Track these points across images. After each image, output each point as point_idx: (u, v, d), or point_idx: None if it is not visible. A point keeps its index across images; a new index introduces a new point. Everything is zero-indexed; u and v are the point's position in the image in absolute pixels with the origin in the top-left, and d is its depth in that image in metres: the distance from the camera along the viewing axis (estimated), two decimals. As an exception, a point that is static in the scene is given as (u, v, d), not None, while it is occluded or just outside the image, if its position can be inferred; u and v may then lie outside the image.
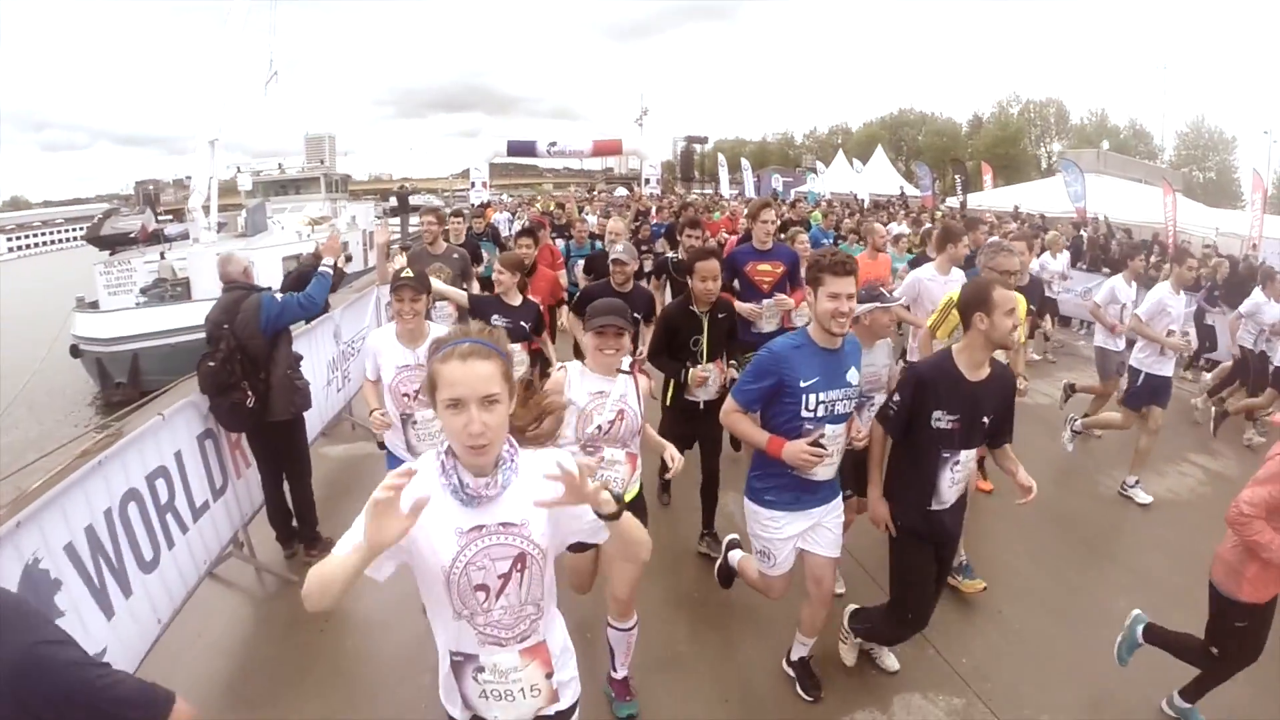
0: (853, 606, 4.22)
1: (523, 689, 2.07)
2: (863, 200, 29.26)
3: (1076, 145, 54.45)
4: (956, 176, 32.29)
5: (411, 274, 4.06)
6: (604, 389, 3.47)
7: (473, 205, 23.96)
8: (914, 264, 7.91)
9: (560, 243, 10.13)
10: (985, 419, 3.60)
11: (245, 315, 4.65)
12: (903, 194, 32.35)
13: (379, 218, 30.55)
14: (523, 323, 5.31)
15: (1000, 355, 4.10)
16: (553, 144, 42.10)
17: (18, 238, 69.88)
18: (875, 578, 4.74)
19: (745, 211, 10.80)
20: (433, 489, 1.83)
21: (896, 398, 3.69)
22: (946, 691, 4.05)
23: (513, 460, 1.96)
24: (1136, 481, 6.99)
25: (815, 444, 3.42)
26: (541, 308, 5.88)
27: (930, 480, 3.60)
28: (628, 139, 46.35)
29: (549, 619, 2.14)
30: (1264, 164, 47.04)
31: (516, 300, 5.41)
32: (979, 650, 4.39)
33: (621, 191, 38.60)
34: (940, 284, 5.86)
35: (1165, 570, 5.39)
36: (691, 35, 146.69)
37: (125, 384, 16.05)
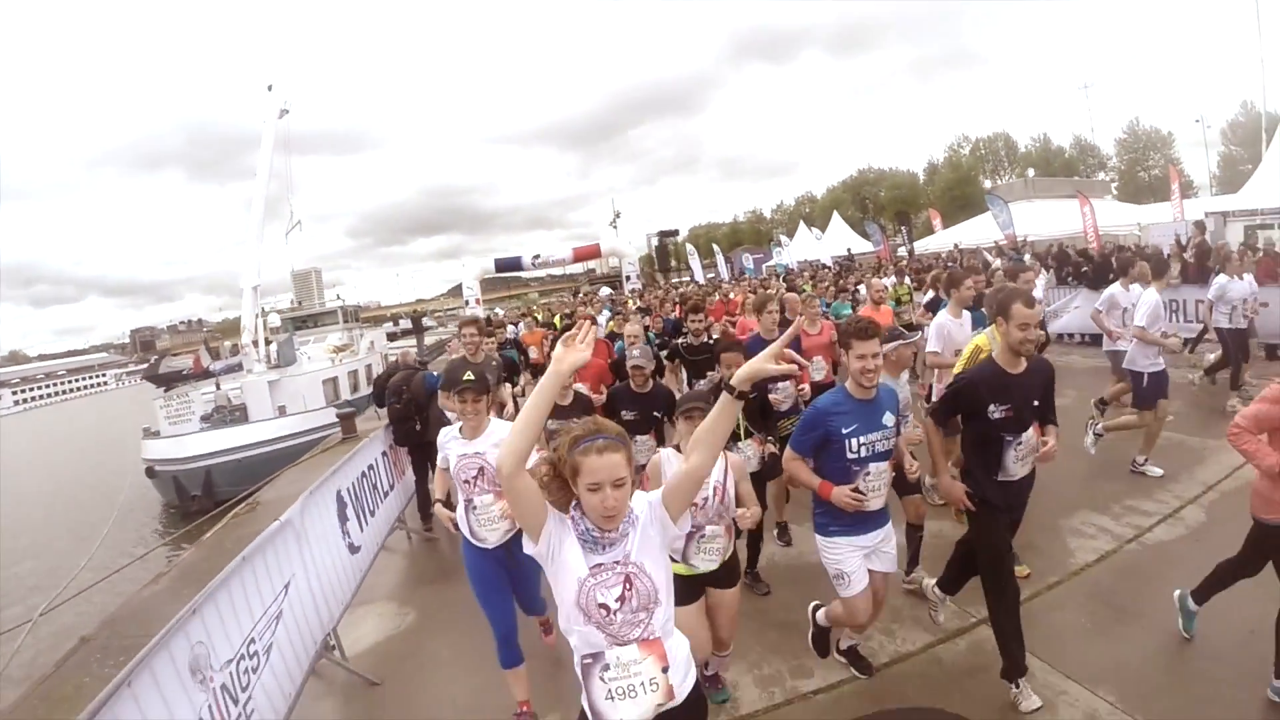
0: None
1: (643, 683, 2.46)
2: (831, 265, 32.71)
3: (1025, 171, 58.85)
4: (901, 227, 36.81)
5: (474, 377, 4.49)
6: None
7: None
8: (930, 306, 9.14)
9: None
10: (1035, 402, 4.26)
11: (416, 381, 7.93)
12: (849, 253, 36.32)
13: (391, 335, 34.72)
14: (573, 420, 6.49)
15: None
16: (536, 256, 45.18)
17: (22, 391, 73.33)
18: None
19: (750, 303, 11.28)
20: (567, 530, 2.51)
21: (944, 392, 4.52)
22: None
23: (632, 513, 2.55)
24: (1146, 459, 7.60)
25: (856, 490, 4.04)
26: (590, 395, 6.46)
27: (997, 459, 4.24)
28: (605, 241, 49.29)
29: (664, 625, 2.56)
30: (1202, 148, 51.06)
31: (568, 400, 5.85)
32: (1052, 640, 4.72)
33: (605, 291, 42.01)
34: (958, 324, 6.84)
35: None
36: (653, 130, 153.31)
37: (200, 495, 18.88)
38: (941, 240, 34.09)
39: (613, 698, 2.46)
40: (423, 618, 6.31)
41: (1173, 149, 59.06)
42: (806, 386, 6.86)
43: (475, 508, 4.43)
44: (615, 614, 2.48)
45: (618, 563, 2.49)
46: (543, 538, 2.50)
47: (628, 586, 2.50)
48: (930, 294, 10.54)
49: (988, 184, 61.61)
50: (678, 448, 4.23)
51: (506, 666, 4.49)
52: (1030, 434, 4.24)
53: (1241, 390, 9.63)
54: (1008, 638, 4.27)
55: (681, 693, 2.58)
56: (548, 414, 2.49)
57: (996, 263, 16.58)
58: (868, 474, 4.05)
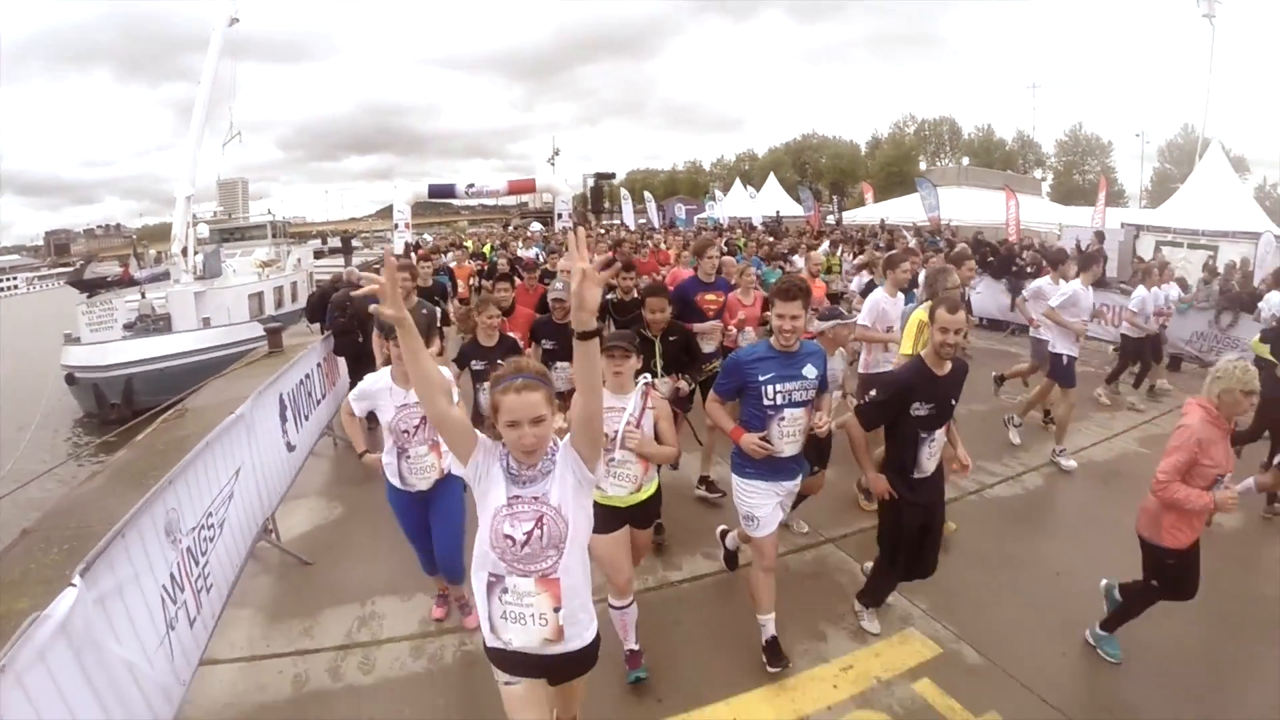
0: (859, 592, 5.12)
1: (533, 615, 2.65)
2: (759, 226, 33.51)
3: (970, 159, 60.57)
4: (833, 197, 37.71)
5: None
6: (614, 404, 4.04)
7: (407, 245, 27.26)
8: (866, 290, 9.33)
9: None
10: (953, 402, 4.53)
11: (359, 298, 8.36)
12: (778, 215, 37.13)
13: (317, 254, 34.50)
14: (499, 361, 5.69)
15: None
16: (471, 185, 44.68)
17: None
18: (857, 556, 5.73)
19: (691, 248, 11.08)
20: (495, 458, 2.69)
21: (874, 394, 4.60)
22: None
23: (552, 455, 2.70)
24: (1062, 450, 8.19)
25: (765, 438, 4.25)
26: (522, 344, 6.57)
27: (912, 455, 4.46)
28: (541, 176, 48.82)
29: (567, 568, 2.69)
30: (1138, 161, 53.77)
31: (493, 340, 6.08)
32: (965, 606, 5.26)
33: (536, 226, 41.90)
34: (893, 304, 7.01)
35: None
36: (602, 69, 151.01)
37: (120, 404, 18.77)
38: (869, 214, 35.13)
39: (505, 619, 2.68)
40: (349, 511, 7.05)
41: (1110, 157, 62.07)
42: (733, 329, 7.14)
43: (409, 457, 4.54)
44: (521, 547, 2.64)
45: (535, 499, 2.65)
46: (470, 463, 2.68)
47: (538, 525, 2.65)
48: (868, 278, 10.94)
49: (924, 165, 63.19)
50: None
51: (451, 582, 4.95)
52: (941, 433, 4.53)
53: (1154, 391, 10.68)
54: (881, 583, 4.92)
55: (573, 638, 2.77)
56: (430, 363, 2.66)
57: (912, 242, 17.45)
58: (783, 419, 4.27)
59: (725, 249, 9.97)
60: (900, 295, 7.08)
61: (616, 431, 4.08)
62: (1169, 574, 4.41)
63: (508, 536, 2.65)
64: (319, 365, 8.72)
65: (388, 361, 4.76)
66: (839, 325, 5.61)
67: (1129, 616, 4.67)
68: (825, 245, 17.37)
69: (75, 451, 16.33)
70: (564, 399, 4.82)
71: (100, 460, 12.33)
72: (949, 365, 4.45)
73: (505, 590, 2.68)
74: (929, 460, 4.53)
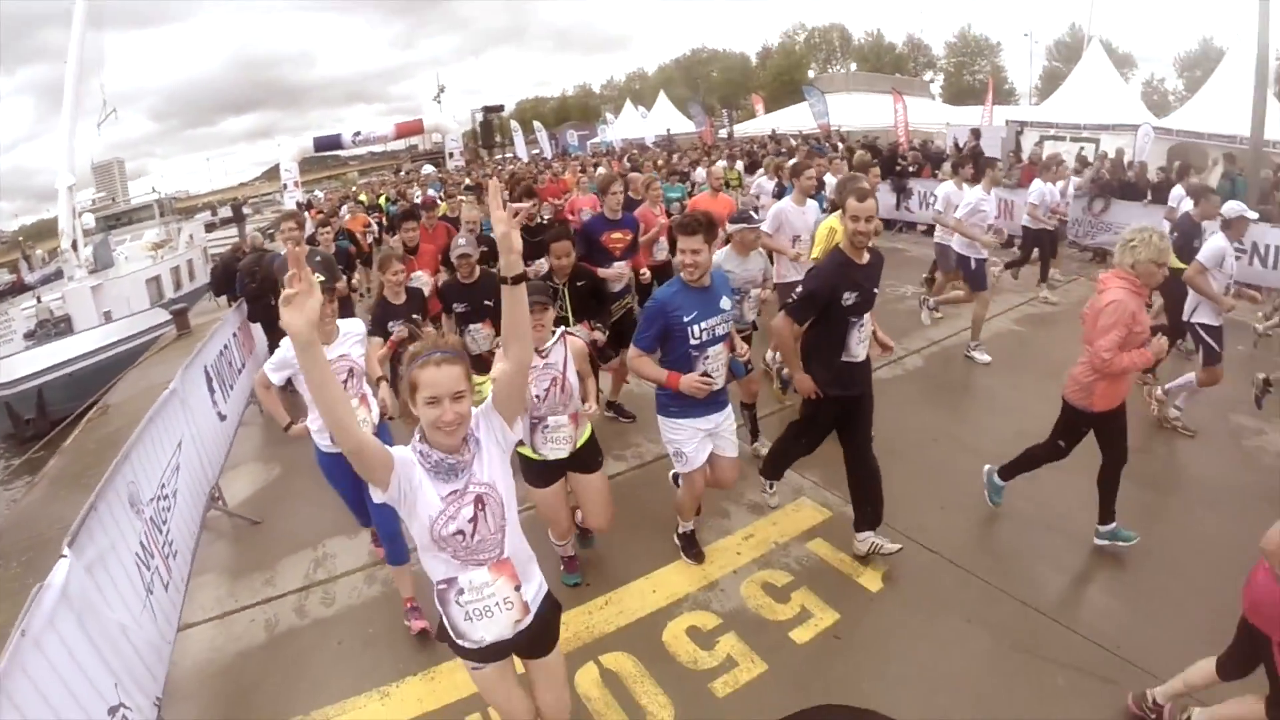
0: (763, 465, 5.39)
1: (498, 603, 2.62)
2: (652, 145, 33.92)
3: (858, 65, 61.19)
4: (724, 111, 38.15)
5: (323, 277, 4.50)
6: (537, 363, 4.03)
7: (299, 205, 26.76)
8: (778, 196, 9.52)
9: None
10: (875, 290, 4.63)
11: (266, 261, 8.71)
12: (669, 133, 37.52)
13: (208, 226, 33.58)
14: (414, 316, 5.92)
15: None
16: (357, 133, 44.14)
17: None
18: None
19: (591, 182, 11.39)
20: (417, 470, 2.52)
21: (800, 290, 4.62)
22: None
23: (474, 434, 2.63)
24: (978, 345, 8.63)
25: (705, 375, 4.33)
26: (428, 287, 6.71)
27: (842, 340, 4.56)
28: (428, 117, 48.58)
29: (513, 544, 2.70)
30: (1028, 60, 54.52)
31: (401, 297, 6.00)
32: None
33: (429, 169, 41.53)
34: (799, 213, 7.02)
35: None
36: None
37: (35, 418, 17.92)
38: (760, 125, 35.76)
39: (471, 619, 2.62)
40: (286, 470, 7.40)
41: (999, 57, 62.75)
42: (647, 270, 7.25)
43: None
44: (470, 537, 2.58)
45: (470, 484, 2.58)
46: (393, 483, 2.49)
47: (480, 507, 2.59)
48: (775, 181, 11.43)
49: (814, 73, 63.42)
50: None
51: (394, 563, 4.67)
52: (869, 319, 4.69)
53: (1049, 282, 11.08)
54: (781, 459, 5.20)
55: (534, 606, 2.80)
56: (338, 386, 2.38)
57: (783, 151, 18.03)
58: (708, 357, 4.37)
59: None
60: (809, 202, 7.12)
61: (544, 390, 4.16)
62: (1078, 435, 4.83)
63: (457, 533, 2.58)
64: (234, 335, 9.03)
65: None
66: (745, 229, 5.68)
67: (1026, 468, 5.20)
68: (723, 160, 17.57)
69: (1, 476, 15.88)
70: (481, 362, 5.09)
71: (27, 479, 12.28)
72: (867, 255, 4.57)
73: (461, 590, 2.62)
74: (858, 345, 4.65)
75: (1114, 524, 4.92)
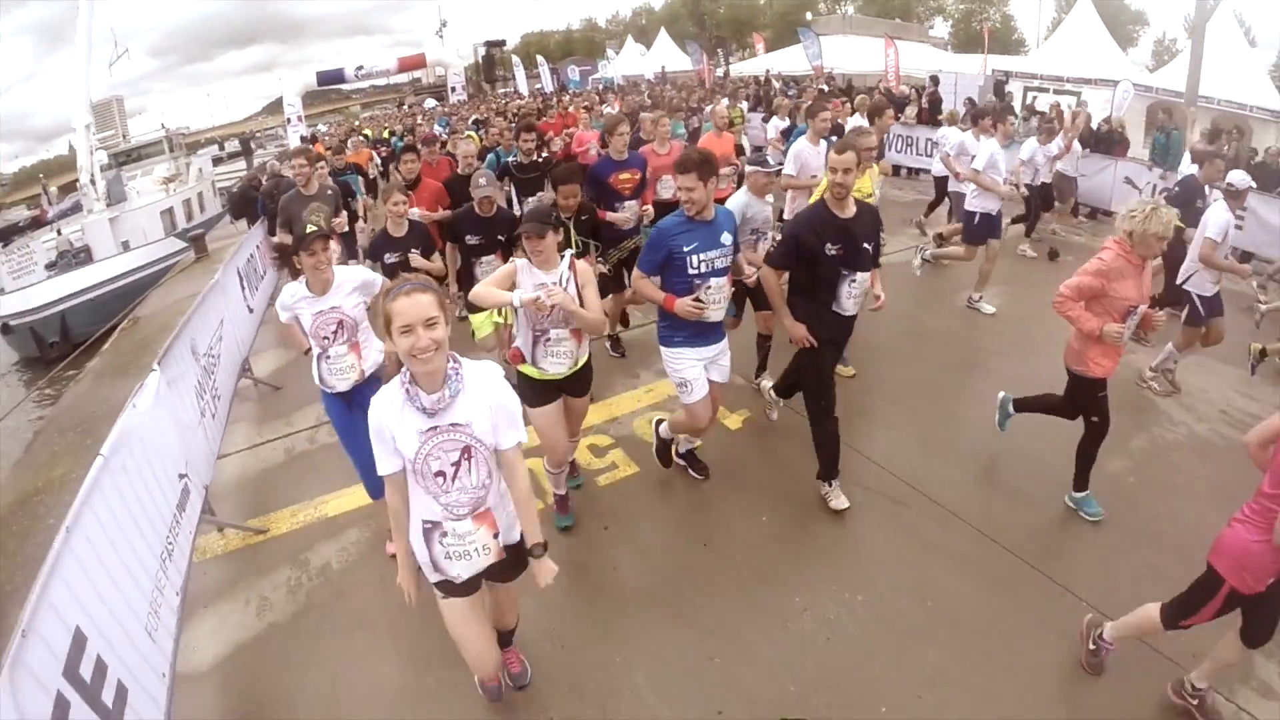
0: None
1: (477, 548, 2.82)
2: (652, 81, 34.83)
3: (865, 7, 60.61)
4: (718, 50, 39.61)
5: (316, 227, 4.60)
6: (544, 280, 4.16)
7: (303, 139, 27.80)
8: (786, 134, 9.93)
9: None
10: (865, 245, 4.73)
11: (285, 185, 9.70)
12: (663, 70, 38.32)
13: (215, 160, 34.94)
14: (413, 249, 6.05)
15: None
16: (360, 68, 44.25)
17: None
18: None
19: (601, 121, 11.23)
20: (399, 406, 2.69)
21: (778, 238, 4.82)
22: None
23: (458, 375, 2.70)
24: (980, 297, 8.68)
25: (698, 299, 4.46)
26: (431, 218, 6.93)
27: (833, 291, 4.74)
28: (430, 51, 48.62)
29: (495, 494, 2.88)
30: (1036, 9, 53.30)
31: (402, 229, 6.08)
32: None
33: (431, 102, 42.03)
34: (814, 153, 7.12)
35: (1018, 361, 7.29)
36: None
37: (59, 341, 19.44)
38: (757, 65, 36.19)
39: (450, 558, 2.79)
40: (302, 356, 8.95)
41: (1009, 5, 61.35)
42: (650, 207, 7.33)
43: (329, 358, 4.71)
44: (451, 481, 2.73)
45: (454, 426, 2.71)
46: (381, 445, 2.78)
47: (465, 456, 2.73)
48: (787, 122, 11.52)
49: (824, 11, 63.02)
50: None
51: (375, 497, 5.03)
52: (864, 276, 4.80)
53: (1033, 237, 11.00)
54: (826, 450, 5.18)
55: (509, 540, 3.04)
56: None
57: (791, 92, 18.59)
58: (708, 288, 4.50)
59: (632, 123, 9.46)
60: (822, 143, 7.16)
61: (549, 309, 4.20)
62: (1095, 402, 4.87)
63: (438, 474, 2.73)
64: (258, 247, 10.68)
65: (298, 273, 4.75)
66: (758, 172, 5.77)
67: (1041, 409, 5.36)
68: (725, 99, 17.40)
69: (30, 392, 16.73)
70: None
71: (51, 394, 14.00)
72: (853, 207, 4.71)
73: (445, 534, 2.80)
74: (849, 300, 4.82)
75: (1087, 492, 5.11)
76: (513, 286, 4.13)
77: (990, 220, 8.49)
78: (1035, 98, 21.92)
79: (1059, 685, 3.87)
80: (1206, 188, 8.08)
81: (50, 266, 22.02)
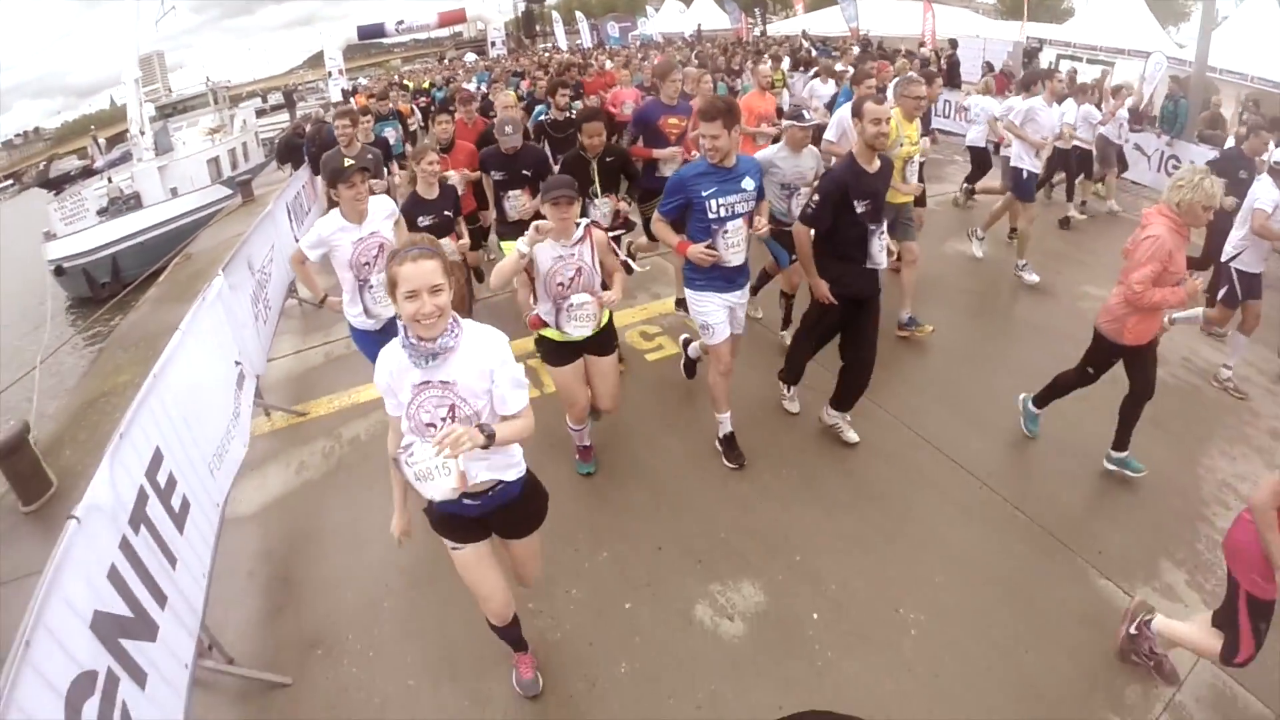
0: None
1: (436, 467, 2.66)
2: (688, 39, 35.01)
3: None
4: (755, 9, 39.87)
5: (354, 161, 4.80)
6: (562, 253, 4.32)
7: (344, 92, 28.76)
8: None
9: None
10: (884, 198, 4.90)
11: (325, 131, 10.52)
12: (699, 29, 38.49)
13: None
14: (445, 212, 6.09)
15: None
16: (400, 22, 44.66)
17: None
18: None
19: (629, 76, 12.82)
20: (401, 356, 2.77)
21: (816, 198, 4.84)
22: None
23: (454, 335, 2.73)
24: (1025, 264, 8.65)
25: (710, 247, 4.62)
26: (463, 184, 6.98)
27: (864, 249, 4.88)
28: (471, 6, 48.21)
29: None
30: None
31: (434, 192, 6.07)
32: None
33: (471, 56, 42.53)
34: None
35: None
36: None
37: (110, 281, 20.81)
38: (794, 26, 36.20)
39: (420, 479, 2.72)
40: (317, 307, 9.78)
41: None
42: (692, 155, 7.06)
43: (372, 286, 4.86)
44: (438, 428, 2.80)
45: (444, 383, 2.77)
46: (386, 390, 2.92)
47: (452, 415, 2.81)
48: (833, 88, 11.46)
49: None
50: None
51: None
52: (885, 227, 5.00)
53: (1078, 203, 11.13)
54: (797, 357, 5.68)
55: (511, 484, 3.13)
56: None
57: (815, 52, 18.68)
58: (726, 232, 4.62)
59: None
60: None
61: (569, 279, 4.39)
62: (1106, 364, 5.03)
63: (429, 425, 2.83)
64: (303, 188, 11.57)
65: (334, 204, 4.96)
66: (795, 126, 5.92)
67: (1058, 394, 5.48)
68: (768, 62, 17.62)
69: (84, 328, 17.83)
70: (519, 227, 6.01)
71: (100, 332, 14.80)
72: (878, 162, 4.83)
73: (412, 453, 2.70)
74: (880, 253, 4.95)
75: (1127, 452, 5.20)
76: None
77: (1033, 178, 8.72)
78: (1074, 68, 21.41)
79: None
80: (1255, 159, 7.98)
81: (102, 212, 23.14)
